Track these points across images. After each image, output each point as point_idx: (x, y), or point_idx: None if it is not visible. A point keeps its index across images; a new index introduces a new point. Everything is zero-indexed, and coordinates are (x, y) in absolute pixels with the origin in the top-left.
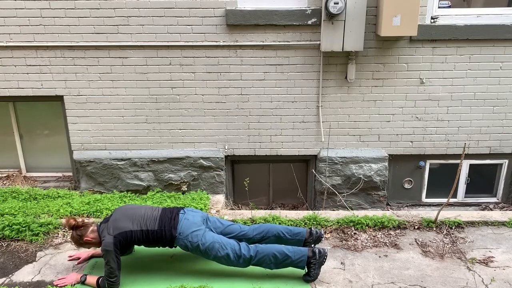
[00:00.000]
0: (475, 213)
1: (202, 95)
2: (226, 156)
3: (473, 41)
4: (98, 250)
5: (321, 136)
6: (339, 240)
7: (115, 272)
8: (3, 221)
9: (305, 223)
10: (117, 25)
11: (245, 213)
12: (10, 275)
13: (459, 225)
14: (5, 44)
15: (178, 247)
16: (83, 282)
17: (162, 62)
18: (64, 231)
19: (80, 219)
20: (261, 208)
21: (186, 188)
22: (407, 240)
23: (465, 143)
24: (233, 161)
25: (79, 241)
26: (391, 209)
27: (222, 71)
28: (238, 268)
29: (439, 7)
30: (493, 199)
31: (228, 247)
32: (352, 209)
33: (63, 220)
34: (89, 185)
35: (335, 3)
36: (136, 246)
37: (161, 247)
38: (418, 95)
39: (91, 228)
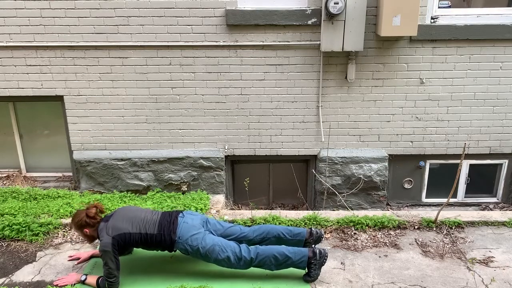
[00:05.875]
0: (475, 213)
1: (202, 95)
2: (226, 156)
3: (473, 41)
4: (97, 250)
5: (321, 136)
6: (339, 240)
7: (114, 272)
8: (3, 221)
9: (305, 223)
10: (117, 25)
11: (245, 213)
12: (10, 275)
13: (459, 225)
14: (5, 44)
15: (178, 251)
16: (83, 282)
17: (162, 62)
18: (64, 231)
19: (102, 211)
20: (261, 208)
21: (186, 188)
22: (407, 240)
23: (465, 143)
24: (233, 161)
25: (80, 227)
26: (391, 209)
27: (222, 71)
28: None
29: (439, 7)
30: (493, 199)
31: (229, 249)
32: (352, 209)
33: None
34: (89, 185)
35: (335, 3)
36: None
37: (160, 251)
38: (418, 95)
39: (96, 226)
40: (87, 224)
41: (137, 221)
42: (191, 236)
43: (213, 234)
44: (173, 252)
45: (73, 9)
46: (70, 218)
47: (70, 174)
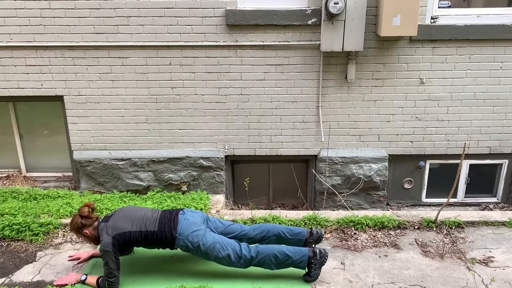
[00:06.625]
0: (475, 213)
1: (202, 95)
2: (226, 156)
3: (473, 41)
4: (98, 250)
5: (321, 136)
6: (339, 240)
7: (114, 272)
8: (3, 221)
9: (305, 223)
10: (117, 25)
11: (245, 213)
12: (10, 275)
13: (459, 225)
14: (5, 44)
15: (178, 249)
16: (83, 282)
17: (162, 62)
18: (64, 231)
19: (93, 208)
20: (261, 208)
21: (186, 188)
22: (407, 240)
23: (465, 143)
24: (233, 161)
25: (78, 229)
26: (391, 209)
27: (222, 71)
28: (238, 268)
29: (439, 7)
30: (493, 199)
31: (229, 247)
32: (352, 209)
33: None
34: (89, 185)
35: (335, 3)
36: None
37: (161, 249)
38: (418, 95)
39: (95, 224)
40: (84, 225)
41: (137, 220)
42: (192, 233)
43: (214, 232)
44: (174, 250)
45: (73, 9)
46: (69, 223)
47: (70, 174)
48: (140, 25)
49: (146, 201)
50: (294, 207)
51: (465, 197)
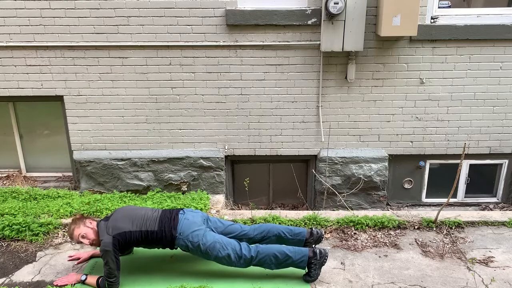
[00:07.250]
0: (475, 213)
1: (202, 95)
2: (226, 156)
3: (473, 41)
4: (98, 250)
5: (321, 136)
6: (339, 240)
7: (114, 272)
8: (3, 221)
9: (305, 223)
10: (117, 25)
11: (245, 213)
12: (10, 275)
13: (459, 225)
14: (5, 44)
15: (178, 248)
16: (83, 282)
17: (162, 62)
18: (64, 231)
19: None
20: (261, 208)
21: (186, 188)
22: (407, 240)
23: (465, 143)
24: (233, 161)
25: (82, 220)
26: (391, 209)
27: (222, 71)
28: (238, 268)
29: (439, 7)
30: (493, 199)
31: (229, 247)
32: (352, 209)
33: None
34: (89, 185)
35: (335, 3)
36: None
37: (161, 249)
38: (418, 95)
39: (95, 220)
40: (84, 217)
41: (137, 219)
42: (192, 232)
43: (214, 232)
44: (174, 249)
45: (73, 9)
46: (68, 233)
47: (70, 174)
48: (140, 25)
49: (146, 201)
50: (294, 207)
51: (465, 197)
